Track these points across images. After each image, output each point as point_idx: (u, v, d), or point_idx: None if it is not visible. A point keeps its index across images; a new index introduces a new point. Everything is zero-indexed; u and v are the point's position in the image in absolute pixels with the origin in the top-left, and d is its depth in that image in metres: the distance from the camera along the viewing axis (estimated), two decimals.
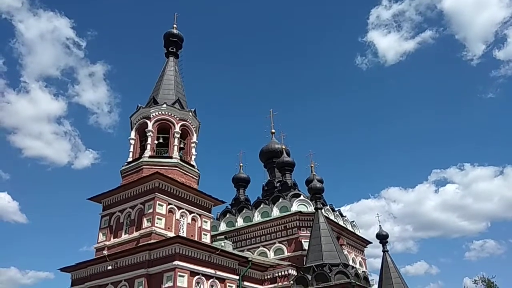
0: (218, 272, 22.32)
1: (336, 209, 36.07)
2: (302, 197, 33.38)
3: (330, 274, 23.65)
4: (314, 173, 33.75)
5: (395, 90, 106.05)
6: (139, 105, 27.91)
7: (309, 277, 24.13)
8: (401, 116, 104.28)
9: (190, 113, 28.02)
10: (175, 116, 27.16)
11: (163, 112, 26.95)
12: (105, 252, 23.09)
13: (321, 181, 35.47)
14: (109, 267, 22.09)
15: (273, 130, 41.93)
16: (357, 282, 23.00)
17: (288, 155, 38.72)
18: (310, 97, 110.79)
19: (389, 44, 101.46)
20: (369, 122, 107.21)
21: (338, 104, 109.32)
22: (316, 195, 30.01)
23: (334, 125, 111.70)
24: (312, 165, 34.53)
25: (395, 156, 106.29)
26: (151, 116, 26.77)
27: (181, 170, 25.60)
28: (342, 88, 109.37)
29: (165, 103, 27.17)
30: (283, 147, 39.18)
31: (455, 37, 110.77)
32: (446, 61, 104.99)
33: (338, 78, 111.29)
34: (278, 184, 37.68)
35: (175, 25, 31.96)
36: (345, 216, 37.09)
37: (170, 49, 31.58)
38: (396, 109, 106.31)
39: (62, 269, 25.17)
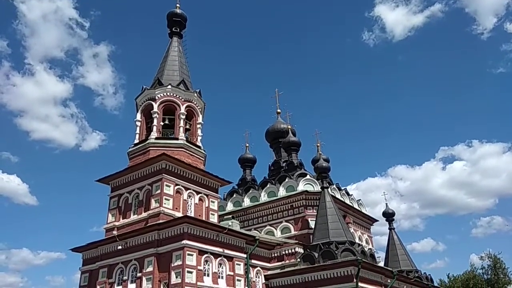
0: (226, 251, 22.67)
1: (342, 188, 36.21)
2: (308, 176, 33.49)
3: (336, 252, 23.92)
4: (320, 152, 33.73)
5: (402, 66, 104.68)
6: (144, 86, 27.85)
7: (316, 254, 24.43)
8: (409, 93, 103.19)
9: (195, 94, 27.92)
10: (180, 97, 27.10)
11: (168, 94, 26.88)
12: (115, 232, 23.48)
13: (327, 160, 35.46)
14: (119, 247, 22.52)
15: (278, 110, 41.78)
16: (363, 259, 23.24)
17: (294, 134, 38.65)
18: (316, 76, 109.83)
19: (397, 19, 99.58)
20: (376, 100, 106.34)
21: (345, 82, 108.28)
22: (322, 174, 30.06)
23: (341, 104, 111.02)
24: (318, 144, 34.48)
25: (402, 134, 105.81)
26: (156, 97, 26.73)
27: (187, 151, 25.71)
28: (348, 65, 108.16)
29: (170, 84, 27.07)
30: (289, 126, 39.08)
31: (465, 10, 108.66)
32: (455, 36, 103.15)
33: (344, 55, 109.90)
34: (284, 164, 37.76)
35: (178, 5, 31.51)
36: (352, 194, 37.25)
37: (173, 29, 31.24)
38: (404, 85, 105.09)
39: (73, 249, 25.75)
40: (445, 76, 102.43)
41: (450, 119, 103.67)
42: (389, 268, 29.03)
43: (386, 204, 38.89)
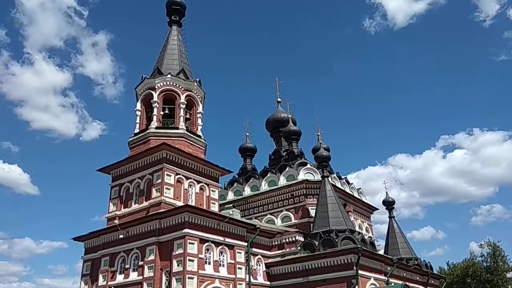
0: (227, 239, 22.82)
1: (342, 177, 36.30)
2: (308, 165, 33.55)
3: (336, 240, 24.07)
4: (321, 141, 33.68)
5: (404, 54, 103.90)
6: (144, 75, 27.72)
7: (316, 242, 24.59)
8: (410, 82, 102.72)
9: (195, 83, 27.81)
10: (180, 87, 27.00)
11: (168, 83, 26.77)
12: (116, 221, 23.63)
13: (327, 149, 35.49)
14: (121, 236, 22.68)
15: (279, 99, 41.67)
16: (363, 247, 23.39)
17: (295, 124, 38.60)
18: (316, 65, 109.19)
19: (398, 6, 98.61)
20: (377, 89, 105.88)
21: (345, 71, 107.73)
22: (322, 163, 30.10)
23: (341, 93, 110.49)
24: (319, 133, 34.41)
25: (403, 123, 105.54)
26: (156, 87, 26.63)
27: (187, 141, 25.71)
28: (349, 53, 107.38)
29: (169, 73, 26.95)
30: (289, 116, 38.99)
31: None
32: (457, 23, 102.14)
33: (345, 43, 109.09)
34: (284, 153, 37.80)
35: None
36: (352, 183, 37.33)
37: (172, 18, 31.00)
38: (405, 74, 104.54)
39: (75, 238, 25.94)
40: (446, 64, 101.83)
41: (451, 108, 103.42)
42: (389, 256, 29.22)
43: (386, 192, 39.02)
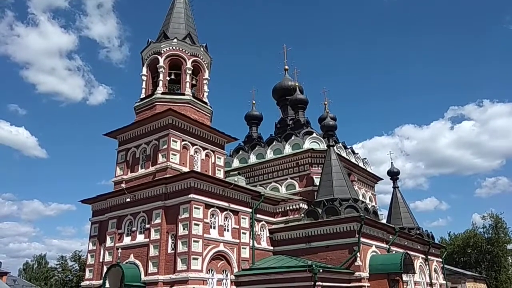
0: (232, 205, 23.17)
1: (348, 146, 36.27)
2: (314, 134, 33.48)
3: (340, 208, 24.34)
4: (328, 110, 33.36)
5: (415, 23, 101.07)
6: (150, 40, 27.29)
7: (320, 210, 24.90)
8: (421, 52, 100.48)
9: (202, 49, 27.37)
10: (187, 52, 26.60)
11: (174, 47, 26.36)
12: (123, 185, 23.99)
13: (334, 119, 35.29)
14: (128, 200, 23.07)
15: (286, 67, 41.07)
16: (366, 216, 23.68)
17: (302, 92, 38.19)
18: (325, 32, 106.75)
19: None
20: (387, 59, 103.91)
21: (355, 41, 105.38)
22: (328, 132, 29.99)
23: (350, 63, 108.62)
24: (326, 102, 34.03)
25: (412, 94, 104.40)
26: (162, 51, 26.26)
27: (193, 107, 25.62)
28: (360, 23, 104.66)
29: (175, 37, 26.48)
30: (296, 84, 38.52)
31: None
32: None
33: (357, 11, 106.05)
34: (290, 122, 37.66)
35: None
36: (357, 153, 37.35)
37: None
38: (416, 43, 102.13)
39: (83, 201, 26.48)
40: (458, 34, 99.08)
41: (461, 79, 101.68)
42: (391, 225, 29.63)
43: (392, 163, 39.07)
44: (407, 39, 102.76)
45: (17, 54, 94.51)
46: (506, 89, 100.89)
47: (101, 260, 23.85)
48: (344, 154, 33.81)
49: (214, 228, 22.02)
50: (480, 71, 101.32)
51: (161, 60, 26.07)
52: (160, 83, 25.67)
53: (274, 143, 34.36)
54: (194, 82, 27.11)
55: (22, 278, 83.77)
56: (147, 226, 21.94)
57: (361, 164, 36.60)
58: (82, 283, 24.98)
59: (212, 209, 21.98)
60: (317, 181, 29.21)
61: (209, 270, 20.88)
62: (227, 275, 22.01)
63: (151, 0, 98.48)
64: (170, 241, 21.11)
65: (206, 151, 25.24)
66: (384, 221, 32.85)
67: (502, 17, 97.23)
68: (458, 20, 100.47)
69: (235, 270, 22.31)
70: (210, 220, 21.85)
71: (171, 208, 21.48)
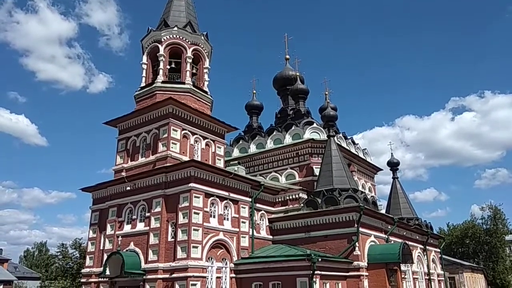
0: (232, 194, 23.25)
1: (348, 137, 36.26)
2: (315, 124, 33.43)
3: (339, 198, 24.43)
4: (328, 100, 33.40)
5: (418, 12, 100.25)
6: (150, 28, 27.09)
7: (319, 200, 25.00)
8: (422, 44, 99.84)
9: (202, 37, 27.18)
10: (187, 40, 26.43)
11: (174, 36, 26.18)
12: (123, 174, 24.05)
13: (334, 109, 35.17)
14: (128, 188, 23.16)
15: (287, 56, 40.84)
16: (365, 206, 23.78)
17: (302, 82, 38.04)
18: (327, 24, 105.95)
19: None
20: (390, 50, 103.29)
21: (358, 31, 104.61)
22: (329, 122, 29.95)
23: (352, 54, 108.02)
24: (327, 92, 34.05)
25: (413, 85, 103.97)
26: (162, 39, 26.08)
27: (194, 96, 25.54)
28: (363, 13, 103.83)
29: (176, 26, 26.28)
30: (297, 74, 38.36)
31: None
32: None
33: (356, 1, 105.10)
34: (291, 112, 37.59)
35: None
36: (357, 144, 37.36)
37: None
38: (418, 34, 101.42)
39: (84, 189, 26.56)
40: (460, 26, 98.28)
41: (463, 69, 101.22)
42: (390, 215, 29.77)
43: (392, 153, 39.16)
44: (409, 30, 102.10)
45: (16, 42, 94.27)
46: (507, 80, 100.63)
47: (101, 248, 24.03)
48: (344, 145, 33.82)
49: (214, 217, 22.13)
50: (482, 62, 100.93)
51: (161, 48, 25.92)
52: (161, 71, 25.55)
53: (274, 133, 34.35)
54: (194, 71, 26.99)
55: (23, 265, 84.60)
56: (147, 214, 22.05)
57: (361, 155, 36.64)
58: (83, 270, 25.21)
59: (212, 198, 22.06)
60: (317, 171, 29.27)
61: (208, 258, 21.05)
62: (226, 264, 22.19)
63: None
64: (170, 229, 21.24)
65: (206, 140, 25.24)
66: (383, 211, 33.03)
67: (504, 8, 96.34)
68: (460, 12, 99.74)
69: (235, 258, 22.48)
70: (210, 209, 21.95)
71: (171, 197, 21.56)
